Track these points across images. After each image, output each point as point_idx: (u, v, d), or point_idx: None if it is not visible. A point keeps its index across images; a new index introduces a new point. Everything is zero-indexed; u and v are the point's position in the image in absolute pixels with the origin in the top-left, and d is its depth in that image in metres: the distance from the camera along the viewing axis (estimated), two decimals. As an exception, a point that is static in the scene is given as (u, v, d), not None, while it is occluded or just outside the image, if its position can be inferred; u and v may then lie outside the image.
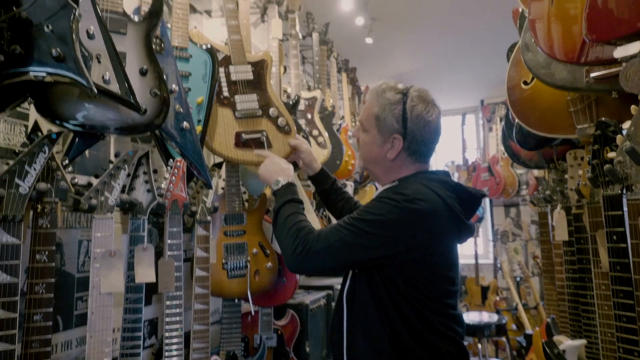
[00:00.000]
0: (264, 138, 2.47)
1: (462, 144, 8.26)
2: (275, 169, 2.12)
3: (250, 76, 2.56)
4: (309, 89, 4.32)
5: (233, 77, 2.54)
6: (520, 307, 6.20)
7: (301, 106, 3.71)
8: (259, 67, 2.59)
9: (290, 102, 3.19)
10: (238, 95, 2.51)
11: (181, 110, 2.14)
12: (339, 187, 2.49)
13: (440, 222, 1.79)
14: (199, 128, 2.31)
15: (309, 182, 2.60)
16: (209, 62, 2.42)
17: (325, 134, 3.64)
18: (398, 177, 1.96)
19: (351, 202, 2.44)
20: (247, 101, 2.52)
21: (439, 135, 1.98)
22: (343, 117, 5.03)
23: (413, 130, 1.92)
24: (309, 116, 3.70)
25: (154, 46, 2.06)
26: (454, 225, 1.83)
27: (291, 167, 2.16)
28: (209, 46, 2.48)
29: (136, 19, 2.00)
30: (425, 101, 1.94)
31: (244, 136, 2.46)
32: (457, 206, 1.85)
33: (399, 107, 1.93)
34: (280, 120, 2.53)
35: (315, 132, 3.60)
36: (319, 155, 3.49)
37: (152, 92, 1.91)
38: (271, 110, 2.53)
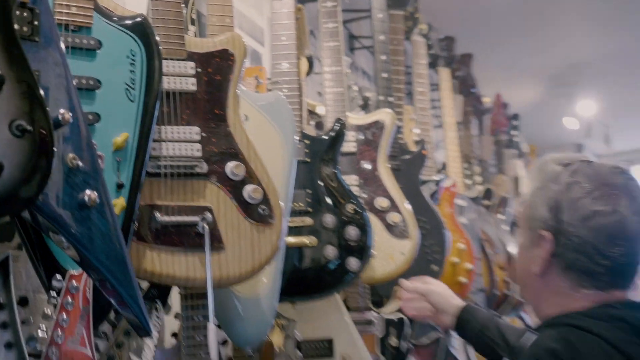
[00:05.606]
0: (205, 226, 1.33)
1: None
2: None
3: (190, 84, 1.42)
4: (364, 106, 2.60)
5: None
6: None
7: (349, 144, 2.11)
8: (213, 67, 1.44)
9: (322, 135, 1.93)
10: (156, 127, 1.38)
11: (80, 165, 1.15)
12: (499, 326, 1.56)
13: None
14: (119, 202, 1.26)
15: None
16: (139, 52, 1.32)
17: (406, 207, 2.09)
18: (553, 314, 1.31)
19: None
20: (176, 140, 1.38)
21: (622, 247, 1.26)
22: (444, 166, 3.15)
23: (569, 225, 1.28)
24: (367, 166, 2.13)
25: (17, 26, 1.06)
26: None
27: None
28: (139, 19, 1.34)
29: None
30: (596, 181, 1.29)
31: (161, 217, 1.34)
32: None
33: (553, 187, 1.32)
34: (250, 191, 1.39)
35: (382, 203, 2.07)
36: (393, 252, 2.03)
37: (14, 126, 1.00)
38: (230, 167, 1.39)
